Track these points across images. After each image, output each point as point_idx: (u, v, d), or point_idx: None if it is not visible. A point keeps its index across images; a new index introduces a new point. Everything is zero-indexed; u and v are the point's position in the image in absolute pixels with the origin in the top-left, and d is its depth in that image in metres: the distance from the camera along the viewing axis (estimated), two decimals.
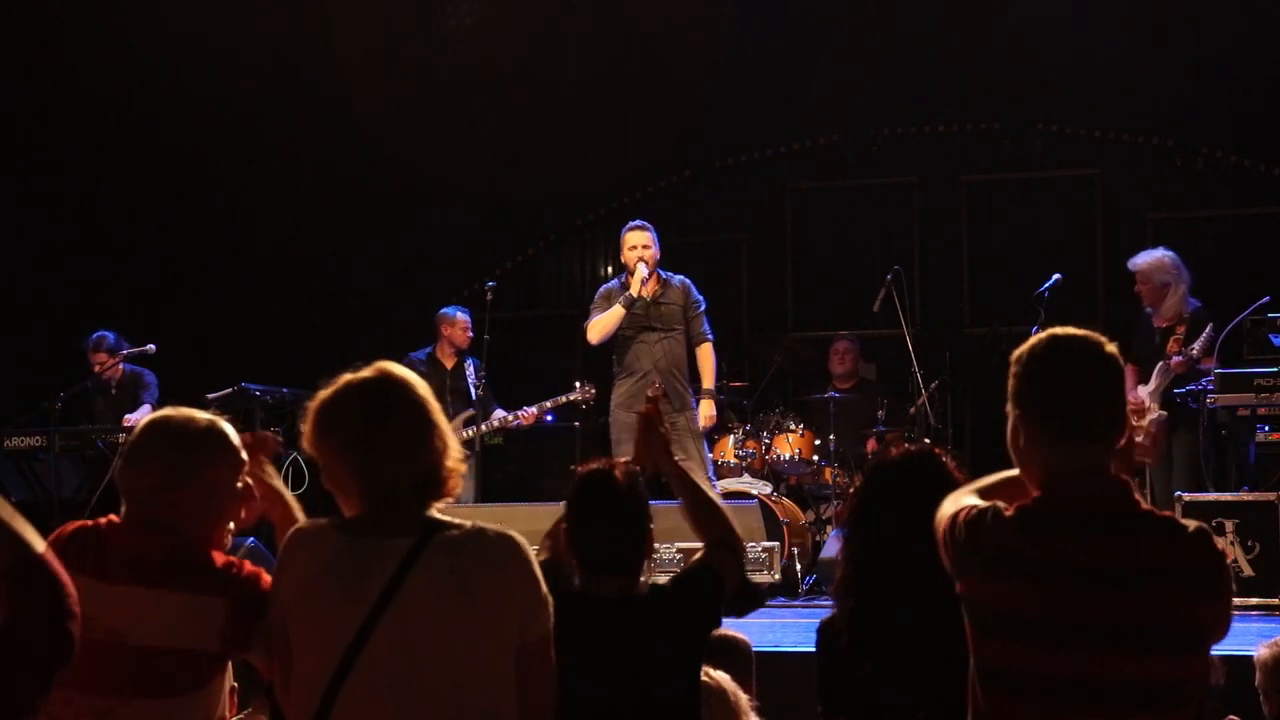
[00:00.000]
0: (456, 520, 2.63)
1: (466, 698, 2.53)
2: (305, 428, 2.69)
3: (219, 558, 2.75)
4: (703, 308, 7.98)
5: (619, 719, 3.05)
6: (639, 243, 7.87)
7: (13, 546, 2.12)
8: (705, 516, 3.33)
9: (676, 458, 3.44)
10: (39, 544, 2.15)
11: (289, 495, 3.02)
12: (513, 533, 2.65)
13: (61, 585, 2.14)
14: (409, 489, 2.61)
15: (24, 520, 2.16)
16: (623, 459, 3.36)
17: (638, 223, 8.03)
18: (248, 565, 2.77)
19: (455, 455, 2.69)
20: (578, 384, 8.62)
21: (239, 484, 2.83)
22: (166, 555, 2.69)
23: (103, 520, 2.75)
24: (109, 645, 2.61)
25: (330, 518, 2.66)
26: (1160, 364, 7.50)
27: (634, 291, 7.80)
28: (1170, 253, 7.79)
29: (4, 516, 2.14)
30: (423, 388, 2.69)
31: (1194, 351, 7.34)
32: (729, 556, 3.24)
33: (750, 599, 3.27)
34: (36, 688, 2.11)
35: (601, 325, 7.90)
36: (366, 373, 2.68)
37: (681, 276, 8.04)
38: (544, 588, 2.62)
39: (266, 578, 2.76)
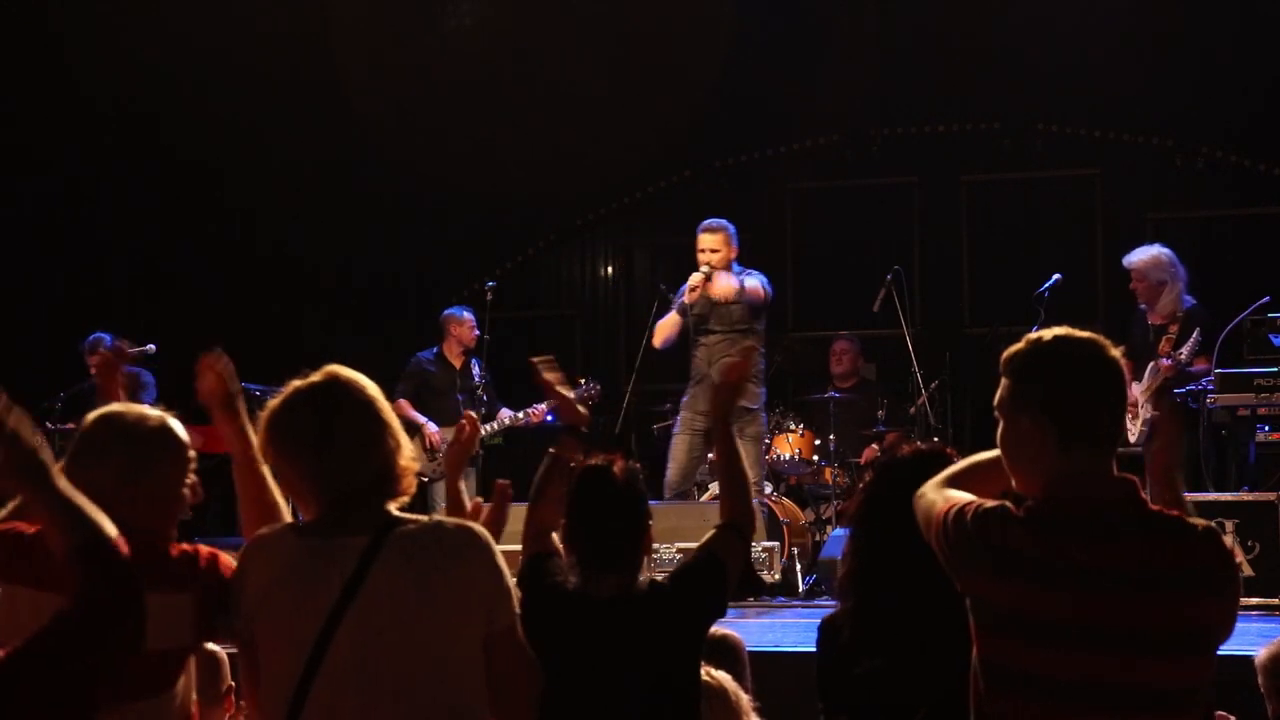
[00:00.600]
0: (414, 516, 2.64)
1: (434, 691, 2.53)
2: (258, 438, 2.70)
3: (175, 550, 2.76)
4: (760, 278, 7.82)
5: (619, 717, 3.05)
6: (705, 245, 7.84)
7: (84, 525, 2.11)
8: (731, 489, 3.31)
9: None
10: (110, 528, 2.14)
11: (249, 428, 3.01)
12: (472, 524, 2.66)
13: (131, 571, 2.13)
14: (364, 489, 2.62)
15: (95, 507, 2.15)
16: (619, 455, 3.34)
17: (708, 222, 7.93)
18: (203, 550, 2.79)
19: (408, 454, 2.70)
20: (582, 381, 8.63)
21: (189, 480, 2.84)
22: (133, 559, 2.68)
23: (32, 527, 2.69)
24: None
25: (290, 522, 2.67)
26: (1153, 363, 7.47)
27: (687, 298, 7.77)
28: (1166, 250, 7.76)
29: (79, 500, 2.14)
30: (372, 388, 2.70)
31: (1182, 355, 7.29)
32: (735, 540, 3.22)
33: (752, 584, 3.27)
34: (104, 671, 2.08)
35: (660, 331, 7.93)
36: (315, 376, 2.69)
37: (754, 273, 7.94)
38: (507, 577, 2.62)
39: (224, 558, 2.79)
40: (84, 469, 2.72)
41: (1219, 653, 2.42)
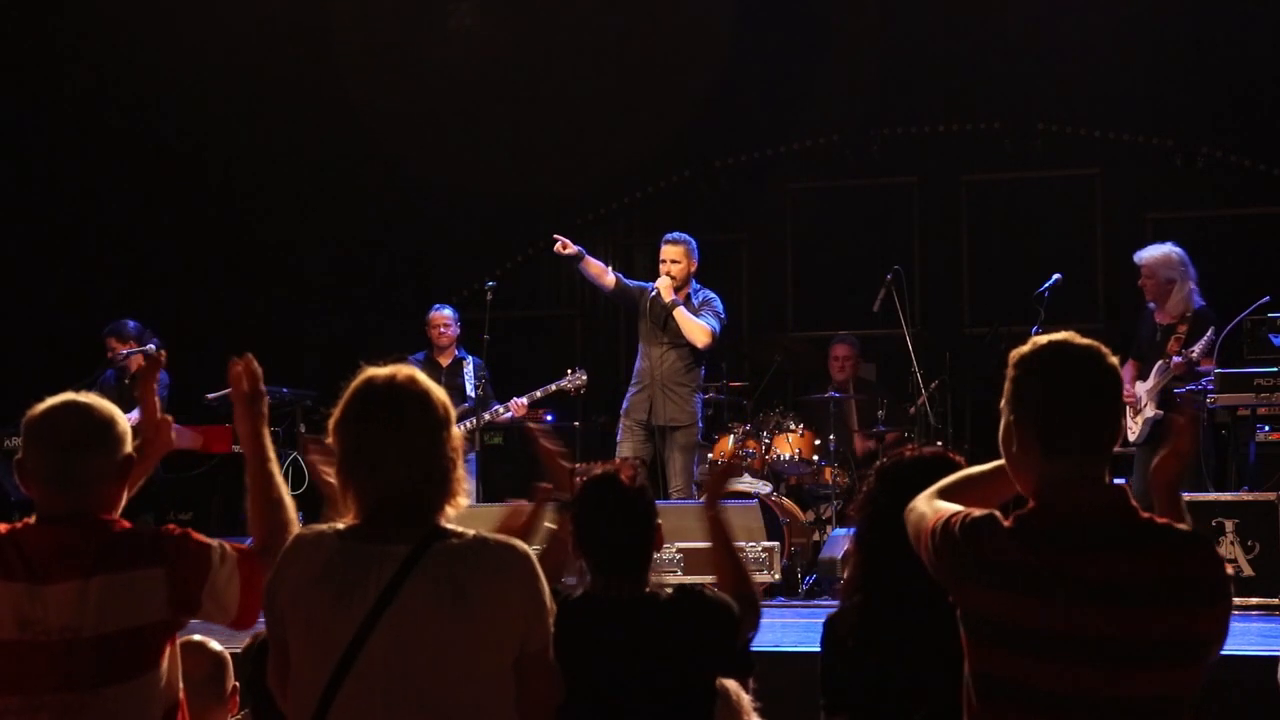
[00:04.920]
0: (459, 529, 2.61)
1: (460, 705, 2.52)
2: (331, 421, 2.68)
3: (142, 530, 2.83)
4: (716, 305, 8.12)
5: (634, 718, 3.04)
6: (666, 256, 8.13)
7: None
8: (731, 569, 3.34)
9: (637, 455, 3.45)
10: None
11: (266, 443, 3.04)
12: (516, 542, 2.63)
13: None
14: (414, 497, 2.59)
15: None
16: (624, 459, 3.36)
17: (671, 235, 8.22)
18: (173, 529, 2.84)
19: (463, 466, 2.68)
20: (569, 371, 8.63)
21: (125, 452, 2.89)
22: (95, 541, 2.75)
23: (3, 526, 2.83)
24: (67, 643, 2.67)
25: (332, 523, 2.66)
26: (1160, 363, 7.43)
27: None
28: (1178, 249, 7.70)
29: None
30: (438, 392, 2.66)
31: (1194, 354, 7.25)
32: (747, 612, 3.23)
33: (745, 665, 3.27)
34: None
35: (597, 273, 8.26)
36: (384, 372, 2.65)
37: (709, 293, 8.18)
38: (547, 598, 2.60)
39: (195, 535, 2.83)
40: (59, 463, 2.81)
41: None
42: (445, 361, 9.00)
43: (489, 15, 10.82)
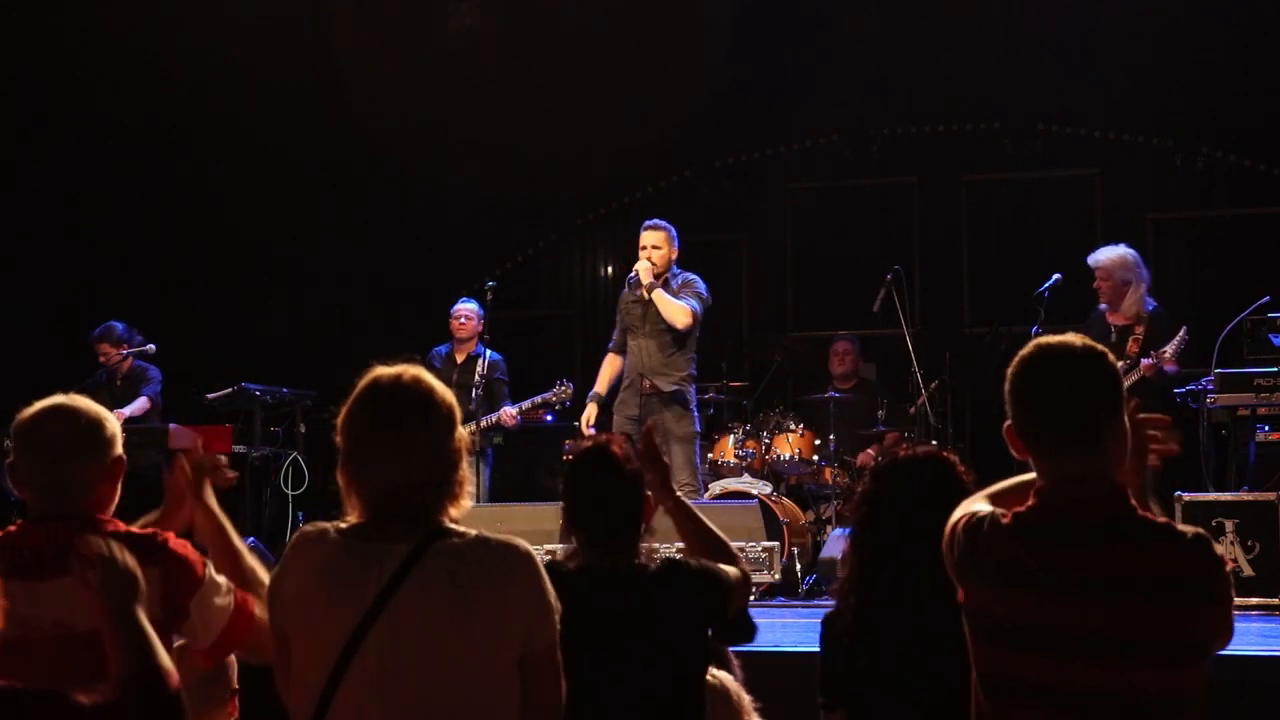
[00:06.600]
0: (460, 528, 2.61)
1: (460, 704, 2.51)
2: (338, 420, 2.69)
3: (139, 532, 2.85)
4: (698, 287, 7.94)
5: (628, 691, 3.05)
6: (647, 243, 7.96)
7: (143, 656, 2.27)
8: (708, 545, 3.32)
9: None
10: (165, 661, 2.30)
11: (225, 521, 3.09)
12: (518, 541, 2.62)
13: (179, 705, 2.30)
14: (416, 495, 2.59)
15: (158, 640, 2.31)
16: (610, 434, 3.38)
17: (651, 221, 8.10)
18: (172, 538, 2.85)
19: (468, 465, 2.68)
20: (558, 383, 8.63)
21: (114, 456, 2.92)
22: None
23: None
24: (62, 639, 2.69)
25: (335, 521, 2.66)
26: (1121, 364, 7.37)
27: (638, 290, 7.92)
28: (1131, 250, 7.70)
29: (149, 632, 2.31)
30: (443, 393, 2.66)
31: (1166, 353, 7.19)
32: (740, 580, 3.23)
33: (745, 630, 3.28)
34: None
35: (604, 379, 8.23)
36: (390, 372, 2.66)
37: (691, 275, 8.03)
38: (551, 597, 2.60)
39: (192, 551, 2.86)
40: (52, 466, 2.84)
41: (1219, 652, 2.42)
42: (461, 357, 8.96)
43: (489, 15, 10.83)
